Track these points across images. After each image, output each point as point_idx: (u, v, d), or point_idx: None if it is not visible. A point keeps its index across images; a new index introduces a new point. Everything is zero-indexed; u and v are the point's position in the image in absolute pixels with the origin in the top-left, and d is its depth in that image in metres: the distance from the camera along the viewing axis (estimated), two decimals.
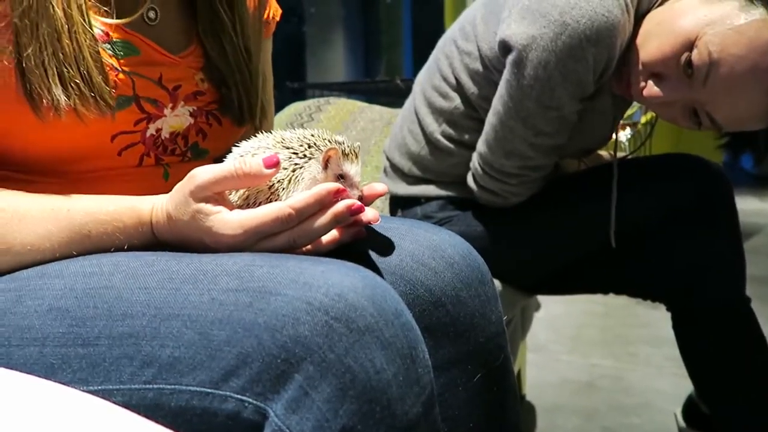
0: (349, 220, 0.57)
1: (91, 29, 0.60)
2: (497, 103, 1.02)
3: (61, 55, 0.58)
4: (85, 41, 0.59)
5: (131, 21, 0.64)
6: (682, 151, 1.15)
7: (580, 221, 1.11)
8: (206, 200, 0.56)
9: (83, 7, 0.60)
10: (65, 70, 0.58)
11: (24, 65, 0.57)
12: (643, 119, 1.50)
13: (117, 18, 0.63)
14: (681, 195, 1.09)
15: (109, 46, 0.63)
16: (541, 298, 1.56)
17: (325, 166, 0.60)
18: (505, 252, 1.10)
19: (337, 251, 0.58)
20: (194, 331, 0.47)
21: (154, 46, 0.67)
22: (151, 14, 0.68)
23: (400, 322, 0.49)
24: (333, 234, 0.58)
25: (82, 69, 0.59)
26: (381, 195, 0.62)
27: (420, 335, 0.51)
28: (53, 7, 0.58)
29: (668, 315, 1.11)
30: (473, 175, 1.10)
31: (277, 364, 0.45)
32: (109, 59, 0.63)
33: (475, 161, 1.09)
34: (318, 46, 6.47)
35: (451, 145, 1.12)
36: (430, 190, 1.17)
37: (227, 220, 0.55)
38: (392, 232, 0.65)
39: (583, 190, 1.13)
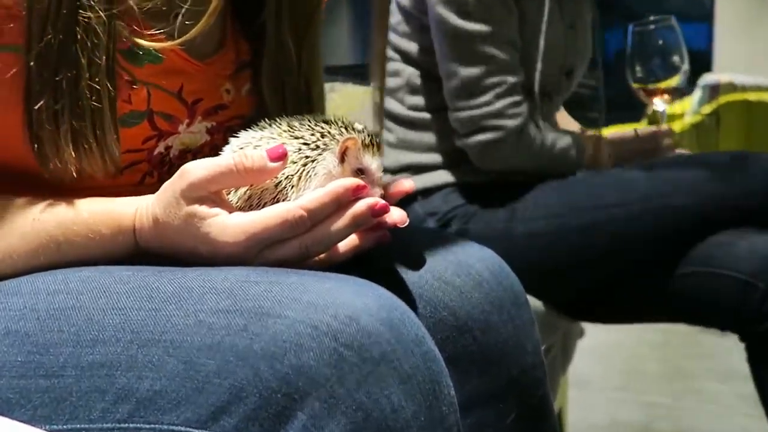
0: (371, 222, 0.56)
1: (114, 76, 0.59)
2: (432, 27, 1.21)
3: (77, 108, 0.57)
4: (108, 93, 0.59)
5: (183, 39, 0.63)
6: (753, 149, 1.17)
7: (621, 216, 1.14)
8: (201, 201, 0.56)
9: (111, 48, 0.59)
10: (80, 125, 0.57)
11: (33, 118, 0.57)
12: (707, 108, 1.51)
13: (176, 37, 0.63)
14: (750, 197, 1.11)
15: (128, 52, 0.62)
16: (586, 324, 1.56)
17: (342, 159, 0.60)
18: (526, 250, 1.14)
19: (344, 264, 0.58)
20: (178, 359, 0.48)
21: (179, 53, 0.66)
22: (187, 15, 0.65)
23: (422, 350, 0.49)
24: (352, 240, 0.58)
25: (97, 126, 0.58)
26: (408, 192, 0.62)
27: (444, 367, 0.51)
28: (77, 49, 0.57)
29: (740, 345, 1.11)
30: (457, 132, 1.22)
31: (277, 399, 0.45)
32: (128, 68, 0.62)
33: (451, 118, 1.22)
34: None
35: (424, 114, 1.27)
36: (427, 179, 1.24)
37: (227, 224, 0.55)
38: (408, 243, 0.65)
39: (625, 183, 1.17)
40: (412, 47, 1.28)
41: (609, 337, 2.24)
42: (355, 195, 0.55)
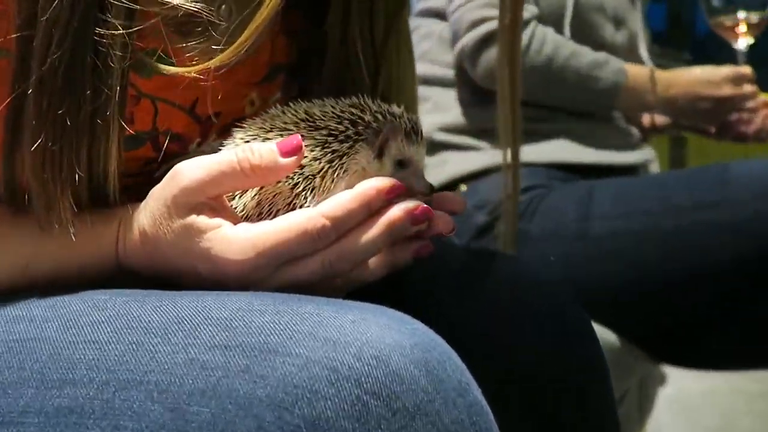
0: (409, 231, 0.56)
1: (125, 107, 0.58)
2: None
3: (77, 150, 0.56)
4: (117, 131, 0.57)
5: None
6: None
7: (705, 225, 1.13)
8: (198, 210, 0.56)
9: (126, 74, 0.57)
10: (78, 174, 0.56)
11: (18, 162, 0.56)
12: None
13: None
14: None
15: (134, 61, 0.60)
16: (669, 369, 1.55)
17: (380, 153, 0.60)
18: (603, 257, 1.12)
19: (370, 287, 0.58)
20: (164, 406, 0.47)
21: None
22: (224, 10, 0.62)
23: (466, 401, 0.49)
24: (384, 253, 0.58)
25: (96, 172, 0.57)
26: (457, 212, 0.61)
27: (493, 422, 0.51)
28: (86, 75, 0.55)
29: None
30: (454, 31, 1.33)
31: None
32: (133, 80, 0.61)
33: (450, 31, 1.37)
34: None
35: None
36: (472, 160, 1.26)
37: (231, 238, 0.55)
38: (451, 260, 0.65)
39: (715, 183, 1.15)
40: (442, 2, 1.40)
41: (696, 386, 2.22)
42: (389, 197, 0.55)
